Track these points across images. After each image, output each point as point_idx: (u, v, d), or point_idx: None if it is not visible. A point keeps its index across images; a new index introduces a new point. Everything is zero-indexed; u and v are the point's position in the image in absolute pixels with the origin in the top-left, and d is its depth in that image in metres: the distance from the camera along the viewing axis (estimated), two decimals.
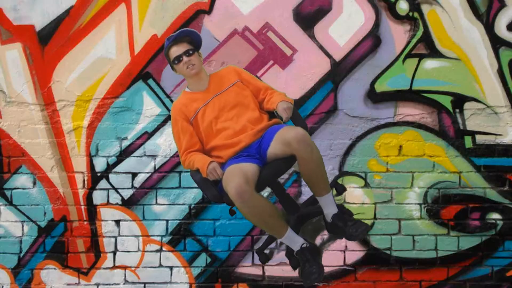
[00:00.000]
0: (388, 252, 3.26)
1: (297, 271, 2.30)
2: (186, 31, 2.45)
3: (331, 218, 2.30)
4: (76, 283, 3.25)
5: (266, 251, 2.67)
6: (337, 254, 3.27)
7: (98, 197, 3.19)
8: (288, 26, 3.08)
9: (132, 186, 3.19)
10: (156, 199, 3.20)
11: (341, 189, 2.55)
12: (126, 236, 3.22)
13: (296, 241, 2.30)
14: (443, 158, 3.19)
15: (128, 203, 3.20)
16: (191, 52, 2.36)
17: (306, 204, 2.63)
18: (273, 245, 3.25)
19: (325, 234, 3.19)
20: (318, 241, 3.18)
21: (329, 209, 2.31)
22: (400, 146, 3.18)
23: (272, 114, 2.43)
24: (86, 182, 3.18)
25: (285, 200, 2.53)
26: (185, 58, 2.35)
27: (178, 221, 3.22)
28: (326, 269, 3.25)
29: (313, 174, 2.23)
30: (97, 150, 3.16)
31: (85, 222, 3.21)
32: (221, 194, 2.26)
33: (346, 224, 2.25)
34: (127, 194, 3.20)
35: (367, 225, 2.29)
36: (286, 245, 2.38)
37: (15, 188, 3.18)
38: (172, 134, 2.46)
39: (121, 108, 3.12)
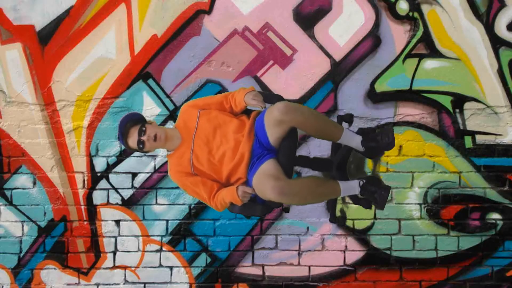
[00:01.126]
0: (388, 252, 3.26)
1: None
2: (122, 121, 2.34)
3: (361, 144, 2.35)
4: (76, 283, 3.25)
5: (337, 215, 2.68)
6: (337, 254, 3.27)
7: (98, 197, 3.19)
8: (288, 26, 3.08)
9: (132, 186, 3.19)
10: (156, 199, 3.20)
11: (349, 118, 2.56)
12: (126, 236, 3.22)
13: (353, 186, 2.37)
14: (443, 158, 3.19)
15: (128, 203, 3.20)
16: (143, 129, 2.28)
17: (334, 154, 2.61)
18: (273, 245, 3.25)
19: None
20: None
21: (354, 140, 2.36)
22: (400, 146, 3.18)
23: (249, 111, 2.44)
24: (86, 182, 3.18)
25: (316, 164, 2.56)
26: (144, 138, 2.27)
27: (178, 221, 3.22)
28: (326, 269, 3.29)
29: (318, 127, 2.26)
30: (97, 150, 3.16)
31: (85, 222, 3.21)
32: (266, 203, 2.29)
33: (376, 139, 2.33)
34: (127, 194, 3.20)
35: (392, 130, 2.35)
36: (352, 198, 2.46)
37: (15, 188, 3.18)
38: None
39: (121, 108, 3.12)
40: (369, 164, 3.19)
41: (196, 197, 2.41)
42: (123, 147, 3.15)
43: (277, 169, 2.23)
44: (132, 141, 2.29)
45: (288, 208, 2.42)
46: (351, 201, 3.22)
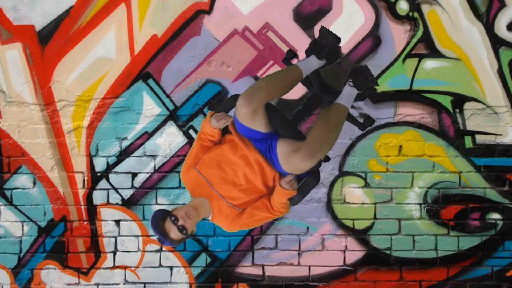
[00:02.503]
0: (388, 252, 3.26)
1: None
2: (154, 226, 2.23)
3: (319, 59, 2.52)
4: (76, 283, 3.25)
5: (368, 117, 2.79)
6: (337, 254, 3.27)
7: (98, 197, 3.19)
8: (288, 26, 3.08)
9: (132, 186, 3.19)
10: (156, 199, 3.20)
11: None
12: (126, 236, 3.22)
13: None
14: (443, 158, 3.19)
15: (128, 203, 3.20)
16: (172, 218, 2.21)
17: (312, 87, 2.70)
18: (273, 245, 3.25)
19: None
20: None
21: (312, 63, 2.51)
22: (400, 146, 3.18)
23: (225, 130, 2.44)
24: (86, 182, 3.18)
25: (309, 107, 2.65)
26: (181, 222, 2.21)
27: None
28: (326, 269, 3.29)
29: (281, 86, 2.36)
30: (97, 150, 3.16)
31: (85, 222, 3.21)
32: (311, 171, 2.32)
33: (323, 45, 2.53)
34: (127, 194, 3.20)
35: (323, 28, 2.54)
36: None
37: (15, 188, 3.18)
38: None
39: (121, 108, 3.12)
40: (369, 164, 3.20)
41: (263, 223, 2.40)
42: (123, 147, 3.15)
43: (290, 143, 2.23)
44: (174, 233, 2.22)
45: (327, 157, 2.52)
46: (350, 202, 3.23)
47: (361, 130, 2.75)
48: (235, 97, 2.33)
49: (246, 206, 2.33)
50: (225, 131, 2.42)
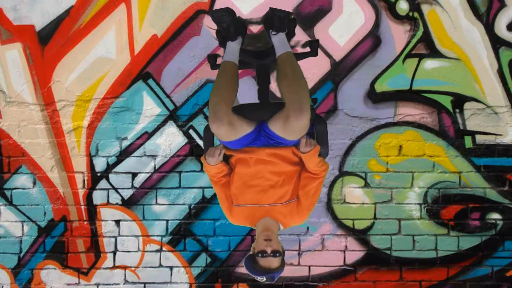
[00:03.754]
0: (388, 252, 3.26)
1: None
2: (259, 275, 2.26)
3: (233, 41, 2.53)
4: (76, 283, 3.25)
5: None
6: (337, 254, 3.27)
7: (98, 197, 3.20)
8: None
9: (132, 186, 3.19)
10: (156, 199, 3.20)
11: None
12: (126, 236, 3.22)
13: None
14: (443, 158, 3.19)
15: (128, 203, 3.20)
16: (265, 254, 2.21)
17: (259, 64, 2.70)
18: None
19: None
20: None
21: (231, 48, 2.51)
22: (400, 146, 3.18)
23: (226, 158, 2.45)
24: (86, 182, 3.18)
25: (262, 76, 2.68)
26: (269, 250, 2.21)
27: (178, 221, 3.22)
28: (326, 269, 3.29)
29: (231, 87, 2.35)
30: (97, 150, 3.16)
31: (85, 222, 3.21)
32: (311, 119, 2.28)
33: (222, 27, 2.52)
34: (127, 194, 3.20)
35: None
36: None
37: (15, 188, 3.18)
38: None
39: (121, 108, 3.12)
40: (369, 164, 3.20)
41: (320, 191, 2.38)
42: (123, 147, 3.15)
43: (277, 117, 2.22)
44: (274, 262, 2.22)
45: (314, 99, 2.59)
46: (350, 202, 3.23)
47: (314, 56, 2.71)
48: (207, 127, 2.37)
49: (296, 192, 2.33)
50: (226, 159, 2.42)
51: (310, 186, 2.32)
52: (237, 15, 2.62)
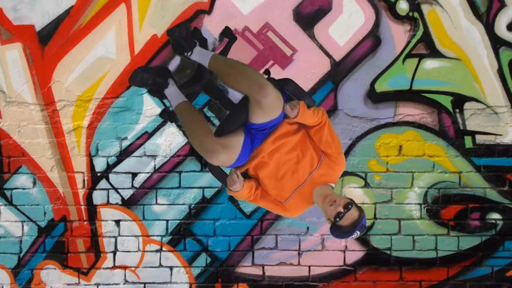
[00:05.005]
0: (388, 252, 3.26)
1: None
2: (354, 230, 2.26)
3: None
4: (76, 283, 3.25)
5: None
6: (337, 254, 3.27)
7: (98, 197, 3.19)
8: (288, 26, 3.08)
9: (132, 186, 3.19)
10: (156, 199, 3.20)
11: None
12: (126, 236, 3.22)
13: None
14: (443, 158, 3.19)
15: (128, 203, 3.20)
16: (346, 210, 2.23)
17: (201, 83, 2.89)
18: (273, 245, 3.25)
19: None
20: None
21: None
22: (400, 146, 3.18)
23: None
24: (86, 182, 3.18)
25: (212, 92, 2.86)
26: (341, 210, 2.24)
27: (178, 221, 3.22)
28: (326, 269, 3.29)
29: (191, 120, 2.55)
30: (97, 150, 3.16)
31: (85, 222, 3.21)
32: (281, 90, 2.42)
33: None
34: (127, 194, 3.20)
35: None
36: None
37: (15, 188, 3.18)
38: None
39: (121, 108, 3.12)
40: (369, 164, 3.20)
41: (336, 139, 2.45)
42: (123, 147, 3.15)
43: (250, 109, 2.33)
44: (354, 212, 2.23)
45: (266, 70, 2.74)
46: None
47: (234, 40, 2.89)
48: (210, 165, 2.44)
49: (318, 149, 2.40)
50: (246, 175, 2.47)
51: (323, 136, 2.37)
52: (148, 64, 2.77)
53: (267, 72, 2.69)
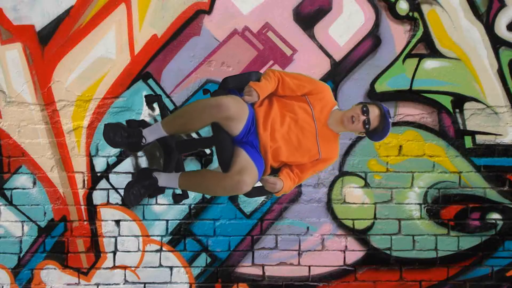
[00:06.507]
0: (388, 252, 3.26)
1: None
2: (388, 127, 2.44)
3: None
4: (76, 283, 3.25)
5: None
6: (337, 254, 3.27)
7: (98, 197, 3.19)
8: (288, 26, 3.08)
9: None
10: (156, 199, 3.20)
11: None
12: (126, 236, 3.22)
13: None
14: (443, 158, 3.19)
15: None
16: (366, 125, 2.40)
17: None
18: (273, 245, 3.25)
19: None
20: None
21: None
22: (400, 146, 3.18)
23: None
24: (86, 182, 3.18)
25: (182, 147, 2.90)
26: (361, 118, 2.38)
27: (178, 221, 3.22)
28: (326, 269, 3.29)
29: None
30: (97, 150, 3.16)
31: (85, 222, 3.21)
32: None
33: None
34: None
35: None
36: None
37: (15, 188, 3.18)
38: None
39: (121, 108, 3.12)
40: (369, 164, 3.20)
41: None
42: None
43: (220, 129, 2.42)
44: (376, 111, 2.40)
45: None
46: (350, 202, 3.23)
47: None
48: (245, 195, 2.48)
49: (302, 98, 2.50)
50: (275, 171, 2.57)
51: (290, 85, 2.48)
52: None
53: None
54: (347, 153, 3.17)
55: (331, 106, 2.52)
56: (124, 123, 2.99)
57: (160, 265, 3.25)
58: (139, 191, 2.62)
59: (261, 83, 2.41)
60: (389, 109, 2.47)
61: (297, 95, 2.48)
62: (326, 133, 2.49)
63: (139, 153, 3.08)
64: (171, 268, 3.26)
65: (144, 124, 2.91)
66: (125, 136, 2.52)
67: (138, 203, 2.65)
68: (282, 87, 2.48)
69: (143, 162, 3.10)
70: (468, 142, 3.18)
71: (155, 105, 3.06)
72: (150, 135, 2.53)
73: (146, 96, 3.03)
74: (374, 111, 2.38)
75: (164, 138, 2.57)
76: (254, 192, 2.51)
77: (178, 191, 2.93)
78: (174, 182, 2.59)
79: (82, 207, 3.20)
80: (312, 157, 2.48)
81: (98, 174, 3.17)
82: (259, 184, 2.45)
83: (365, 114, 2.36)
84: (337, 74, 3.12)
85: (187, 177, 2.56)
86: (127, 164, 3.17)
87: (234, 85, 2.54)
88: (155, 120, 3.09)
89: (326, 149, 2.50)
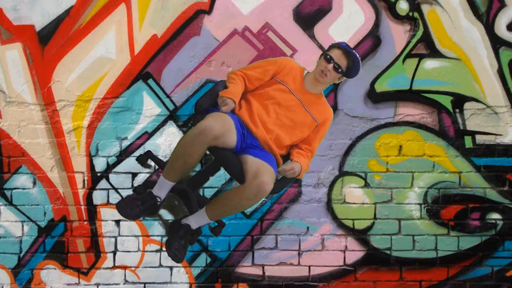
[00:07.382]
0: (388, 252, 3.26)
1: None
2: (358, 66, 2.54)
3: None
4: (76, 283, 3.25)
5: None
6: (337, 254, 3.27)
7: (98, 197, 3.19)
8: (288, 26, 3.08)
9: (132, 186, 3.19)
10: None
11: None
12: (126, 236, 3.22)
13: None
14: (443, 158, 3.19)
15: None
16: (338, 69, 2.47)
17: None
18: (273, 245, 3.25)
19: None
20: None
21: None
22: (400, 146, 3.18)
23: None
24: (86, 182, 3.18)
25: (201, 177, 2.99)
26: (330, 66, 2.45)
27: None
28: (326, 269, 3.29)
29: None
30: (97, 150, 3.16)
31: (85, 222, 3.21)
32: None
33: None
34: (127, 194, 3.19)
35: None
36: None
37: (15, 188, 3.18)
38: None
39: (121, 108, 3.12)
40: (369, 164, 3.20)
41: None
42: (123, 147, 3.15)
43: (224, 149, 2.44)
44: (336, 56, 2.47)
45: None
46: (350, 202, 3.23)
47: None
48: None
49: (273, 81, 2.57)
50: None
51: (254, 77, 2.54)
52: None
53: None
54: (347, 153, 3.18)
55: (301, 74, 2.59)
56: (124, 126, 3.01)
57: (160, 265, 3.25)
58: (180, 244, 2.58)
59: (229, 88, 2.45)
60: (346, 43, 2.58)
61: (266, 81, 2.53)
62: (310, 98, 2.55)
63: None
64: (171, 268, 3.26)
65: (149, 184, 2.88)
66: (140, 204, 2.49)
67: (185, 255, 2.63)
68: (250, 81, 2.53)
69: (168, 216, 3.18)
70: (468, 142, 3.18)
71: (150, 162, 3.09)
72: (161, 191, 2.52)
73: (137, 159, 3.08)
74: (336, 54, 2.47)
75: (174, 186, 2.56)
76: (278, 186, 2.53)
77: (213, 224, 2.88)
78: (204, 218, 2.57)
79: (82, 207, 3.20)
80: (311, 126, 2.56)
81: (98, 174, 3.18)
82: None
83: (331, 61, 2.45)
84: None
85: (212, 208, 2.54)
86: (127, 164, 3.17)
87: (208, 104, 2.53)
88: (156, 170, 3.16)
89: (318, 112, 2.57)
